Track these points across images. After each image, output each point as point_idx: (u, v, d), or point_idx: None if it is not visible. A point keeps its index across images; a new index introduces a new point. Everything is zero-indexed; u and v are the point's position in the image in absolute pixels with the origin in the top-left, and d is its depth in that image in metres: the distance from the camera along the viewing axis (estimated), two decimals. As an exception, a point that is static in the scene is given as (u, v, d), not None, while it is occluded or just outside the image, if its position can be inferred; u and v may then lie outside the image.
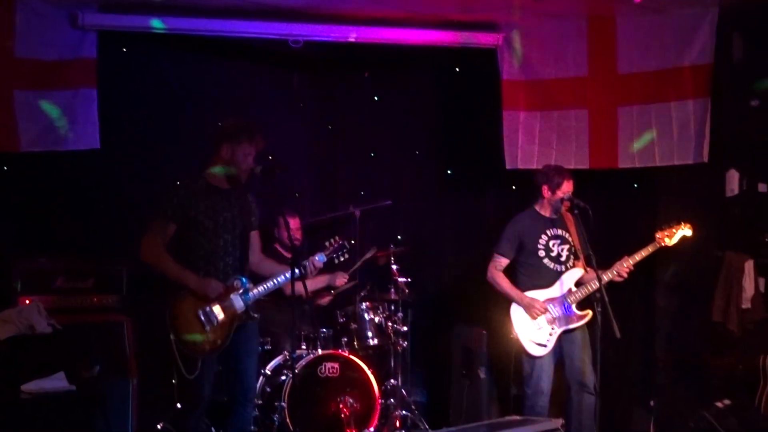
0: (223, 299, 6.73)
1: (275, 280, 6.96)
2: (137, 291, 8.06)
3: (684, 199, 8.91)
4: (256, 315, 6.88)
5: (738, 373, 8.48)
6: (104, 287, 8.05)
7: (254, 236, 7.05)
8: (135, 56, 9.01)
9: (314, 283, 8.66)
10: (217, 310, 6.71)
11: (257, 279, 6.99)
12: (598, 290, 7.35)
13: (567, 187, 7.92)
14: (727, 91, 8.61)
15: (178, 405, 7.65)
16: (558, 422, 7.48)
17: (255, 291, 6.86)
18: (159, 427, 7.92)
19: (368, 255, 8.91)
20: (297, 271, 6.72)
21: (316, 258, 7.16)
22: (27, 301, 7.67)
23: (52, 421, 7.10)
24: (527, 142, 9.16)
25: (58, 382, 7.23)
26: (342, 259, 7.35)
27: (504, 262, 8.07)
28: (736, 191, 8.77)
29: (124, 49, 8.96)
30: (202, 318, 6.66)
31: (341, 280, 8.86)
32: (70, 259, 8.06)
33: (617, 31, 8.87)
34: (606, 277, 7.73)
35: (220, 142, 6.77)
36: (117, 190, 8.64)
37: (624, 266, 7.82)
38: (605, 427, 8.09)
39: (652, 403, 9.05)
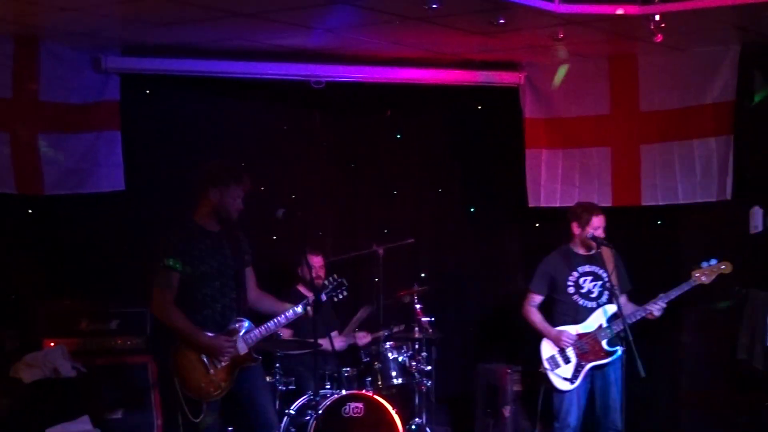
0: None
1: (277, 320, 6.88)
2: (161, 332, 8.05)
3: (707, 236, 8.88)
4: (258, 357, 6.85)
5: (764, 412, 8.40)
6: (128, 329, 8.08)
7: (249, 273, 6.96)
8: (158, 98, 9.08)
9: (338, 344, 8.70)
10: None
11: (256, 315, 6.93)
12: (623, 330, 7.36)
13: (597, 223, 7.86)
14: (749, 127, 8.61)
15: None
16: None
17: (257, 332, 6.79)
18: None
19: (363, 315, 8.97)
20: (300, 309, 6.78)
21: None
22: (52, 344, 7.72)
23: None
24: (550, 180, 9.21)
25: (82, 425, 7.27)
26: (341, 297, 7.21)
27: (537, 298, 8.09)
28: (760, 228, 8.70)
29: (147, 92, 9.04)
30: (206, 361, 6.65)
31: (364, 340, 8.92)
32: (93, 302, 8.11)
33: (639, 69, 8.91)
34: (639, 314, 7.72)
35: (207, 185, 6.66)
36: (140, 231, 8.64)
37: (658, 305, 7.77)
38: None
39: (677, 441, 9.04)
